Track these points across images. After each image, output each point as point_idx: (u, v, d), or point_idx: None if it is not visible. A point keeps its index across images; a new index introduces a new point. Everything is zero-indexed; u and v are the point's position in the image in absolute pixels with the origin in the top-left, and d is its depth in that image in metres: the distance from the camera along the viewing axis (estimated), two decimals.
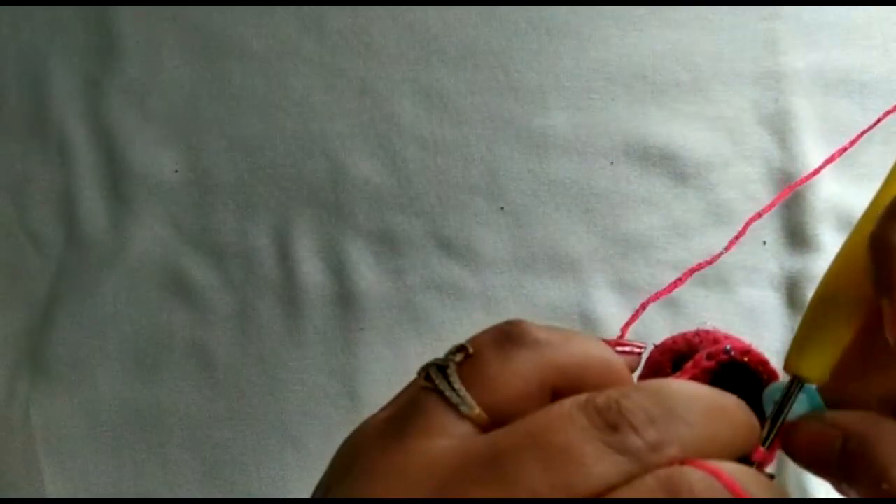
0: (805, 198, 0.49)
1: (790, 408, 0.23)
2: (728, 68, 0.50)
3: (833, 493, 0.42)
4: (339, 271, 0.50)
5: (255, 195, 0.50)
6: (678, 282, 0.45)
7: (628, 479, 0.19)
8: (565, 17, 0.50)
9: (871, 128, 0.49)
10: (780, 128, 0.50)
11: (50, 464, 0.49)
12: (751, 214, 0.48)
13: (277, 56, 0.51)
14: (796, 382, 0.23)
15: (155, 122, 0.51)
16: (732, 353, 0.25)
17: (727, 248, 0.46)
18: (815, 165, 0.49)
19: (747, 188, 0.50)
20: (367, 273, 0.50)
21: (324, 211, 0.50)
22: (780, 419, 0.23)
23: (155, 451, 0.49)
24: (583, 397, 0.21)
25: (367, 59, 0.51)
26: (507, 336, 0.22)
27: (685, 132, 0.50)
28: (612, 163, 0.50)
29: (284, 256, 0.50)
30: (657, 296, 0.44)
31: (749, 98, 0.50)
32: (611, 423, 0.20)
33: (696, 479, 0.19)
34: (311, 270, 0.50)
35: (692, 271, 0.44)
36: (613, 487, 0.19)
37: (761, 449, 0.23)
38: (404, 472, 0.20)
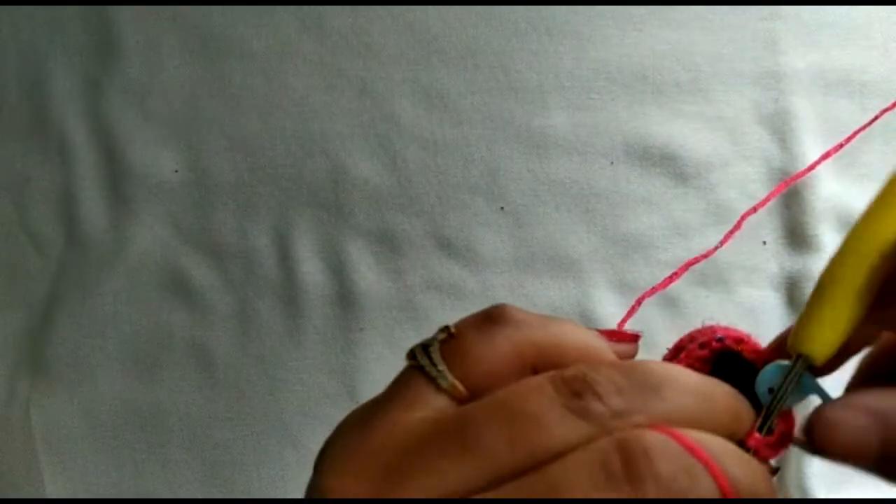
0: (805, 197, 0.49)
1: (791, 389, 0.23)
2: (728, 68, 0.50)
3: (833, 493, 0.42)
4: (339, 271, 0.50)
5: (255, 195, 0.50)
6: (674, 276, 0.45)
7: (587, 443, 0.20)
8: (565, 17, 0.50)
9: (867, 125, 0.49)
10: (780, 128, 0.50)
11: (50, 464, 0.49)
12: (757, 221, 0.48)
13: (277, 56, 0.51)
14: (799, 360, 0.22)
15: (155, 122, 0.51)
16: (725, 341, 0.25)
17: (722, 243, 0.47)
18: (818, 169, 0.49)
19: (747, 188, 0.50)
20: (367, 273, 0.50)
21: (324, 211, 0.50)
22: (779, 400, 0.23)
23: (155, 451, 0.49)
24: (554, 371, 0.21)
25: (367, 59, 0.51)
26: (489, 317, 0.23)
27: (685, 132, 0.50)
28: (612, 163, 0.50)
29: (284, 256, 0.50)
30: (652, 291, 0.44)
31: (749, 98, 0.50)
32: (575, 391, 0.20)
33: (652, 440, 0.19)
34: (311, 270, 0.50)
35: (688, 265, 0.44)
36: (573, 449, 0.19)
37: (756, 435, 0.23)
38: (374, 442, 0.21)
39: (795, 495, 0.48)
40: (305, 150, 0.50)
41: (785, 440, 0.24)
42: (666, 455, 0.19)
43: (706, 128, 0.50)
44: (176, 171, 0.51)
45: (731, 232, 0.47)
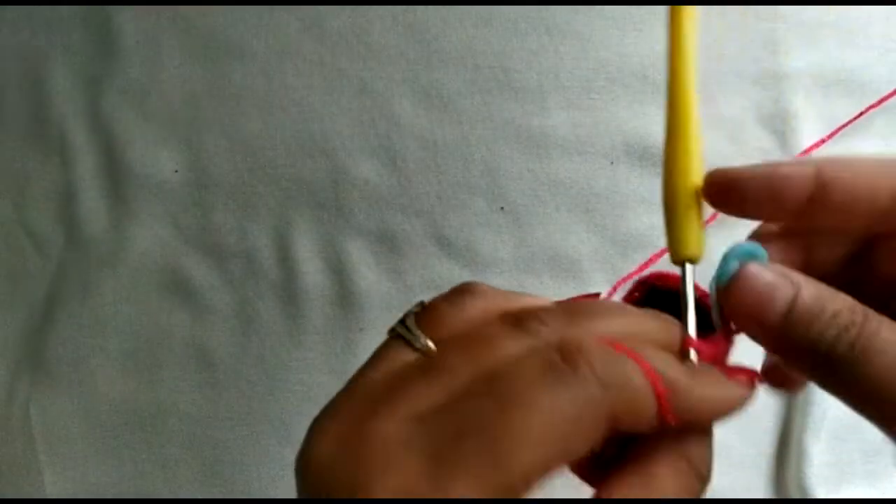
0: None
1: (690, 292, 0.25)
2: (728, 68, 0.50)
3: (833, 493, 0.42)
4: (339, 271, 0.50)
5: (255, 195, 0.50)
6: (648, 262, 0.46)
7: (533, 352, 0.22)
8: (565, 17, 0.50)
9: (853, 120, 0.49)
10: (780, 128, 0.50)
11: (50, 464, 0.49)
12: None
13: (277, 56, 0.51)
14: (685, 266, 0.26)
15: (155, 122, 0.51)
16: (648, 279, 0.28)
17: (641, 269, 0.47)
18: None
19: None
20: (367, 273, 0.50)
21: (324, 211, 0.50)
22: (687, 301, 0.25)
23: (155, 451, 0.49)
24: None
25: (367, 59, 0.51)
26: (460, 290, 0.26)
27: None
28: (612, 163, 0.50)
29: (284, 256, 0.50)
30: (629, 276, 0.44)
31: (749, 98, 0.50)
32: (521, 319, 0.23)
33: (587, 341, 0.22)
34: (311, 270, 0.50)
35: (664, 252, 0.45)
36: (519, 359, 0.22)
37: (690, 337, 0.25)
38: (355, 392, 0.24)
39: (795, 495, 0.48)
40: (305, 150, 0.50)
41: (726, 336, 0.26)
42: (600, 352, 0.22)
43: (706, 128, 0.50)
44: (176, 171, 0.51)
45: (708, 221, 0.48)
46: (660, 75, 0.50)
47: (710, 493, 0.51)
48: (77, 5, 0.52)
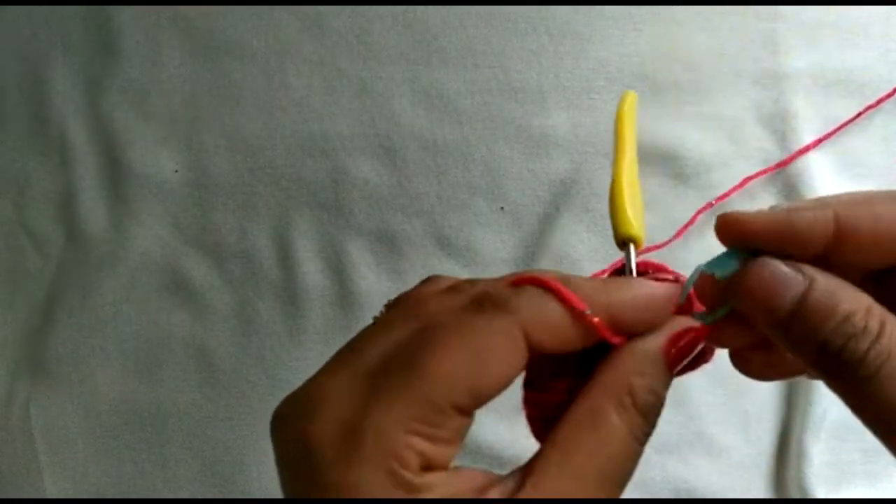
0: (804, 198, 0.49)
1: (632, 267, 0.29)
2: (728, 68, 0.50)
3: (833, 493, 0.42)
4: (339, 271, 0.50)
5: (255, 195, 0.50)
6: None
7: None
8: (565, 17, 0.50)
9: (852, 120, 0.49)
10: (780, 128, 0.50)
11: (50, 464, 0.49)
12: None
13: (277, 56, 0.51)
14: (628, 244, 0.29)
15: (155, 122, 0.51)
16: (620, 265, 0.30)
17: (676, 236, 0.47)
18: (815, 165, 0.50)
19: (747, 188, 0.50)
20: (367, 273, 0.50)
21: (324, 211, 0.50)
22: (630, 272, 0.29)
23: (155, 450, 0.49)
24: None
25: (367, 59, 0.51)
26: (427, 278, 0.29)
27: (685, 132, 0.50)
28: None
29: (284, 256, 0.50)
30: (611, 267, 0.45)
31: (749, 98, 0.50)
32: (456, 285, 0.26)
33: (497, 285, 0.25)
34: (311, 270, 0.50)
35: (649, 250, 0.46)
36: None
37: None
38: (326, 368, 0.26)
39: (795, 495, 0.48)
40: (305, 150, 0.50)
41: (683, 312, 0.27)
42: (506, 289, 0.24)
43: (706, 128, 0.50)
44: (176, 171, 0.51)
45: (686, 227, 0.48)
46: (660, 76, 0.51)
47: (711, 493, 0.51)
48: (77, 5, 0.52)
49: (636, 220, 0.30)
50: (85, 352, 0.50)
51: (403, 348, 0.24)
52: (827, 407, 0.47)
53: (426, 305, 0.25)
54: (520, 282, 0.25)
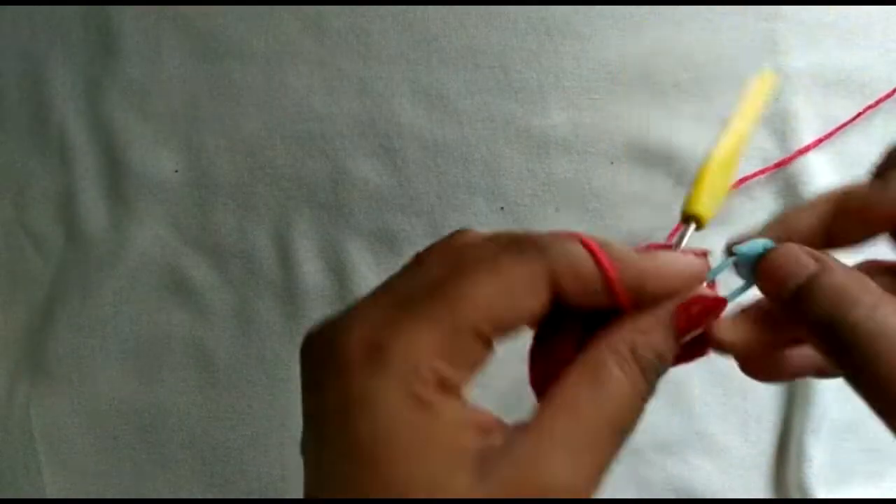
0: (803, 197, 0.49)
1: (682, 243, 0.28)
2: (728, 68, 0.50)
3: (833, 493, 0.42)
4: (339, 271, 0.50)
5: (255, 195, 0.50)
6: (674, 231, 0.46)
7: None
8: (565, 17, 0.50)
9: (852, 120, 0.49)
10: (780, 128, 0.50)
11: (50, 464, 0.49)
12: (751, 214, 0.48)
13: (277, 56, 0.51)
14: (689, 220, 0.29)
15: (155, 122, 0.51)
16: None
17: (670, 237, 0.47)
18: (815, 165, 0.50)
19: (747, 188, 0.50)
20: (367, 273, 0.50)
21: (324, 211, 0.50)
22: (677, 247, 0.28)
23: (155, 451, 0.49)
24: None
25: (367, 59, 0.51)
26: (457, 230, 0.28)
27: (685, 132, 0.50)
28: (612, 163, 0.50)
29: (284, 256, 0.50)
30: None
31: None
32: (493, 234, 0.26)
33: (537, 232, 0.25)
34: (311, 270, 0.50)
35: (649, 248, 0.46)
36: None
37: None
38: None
39: (795, 495, 0.48)
40: (305, 150, 0.50)
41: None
42: (545, 234, 0.25)
43: (706, 128, 0.50)
44: (176, 171, 0.51)
45: (678, 229, 0.48)
46: (660, 76, 0.51)
47: (711, 493, 0.51)
48: (77, 5, 0.52)
49: (711, 200, 0.30)
50: (85, 352, 0.50)
51: (436, 278, 0.24)
52: (827, 407, 0.47)
53: (460, 249, 0.26)
54: (559, 234, 0.26)
